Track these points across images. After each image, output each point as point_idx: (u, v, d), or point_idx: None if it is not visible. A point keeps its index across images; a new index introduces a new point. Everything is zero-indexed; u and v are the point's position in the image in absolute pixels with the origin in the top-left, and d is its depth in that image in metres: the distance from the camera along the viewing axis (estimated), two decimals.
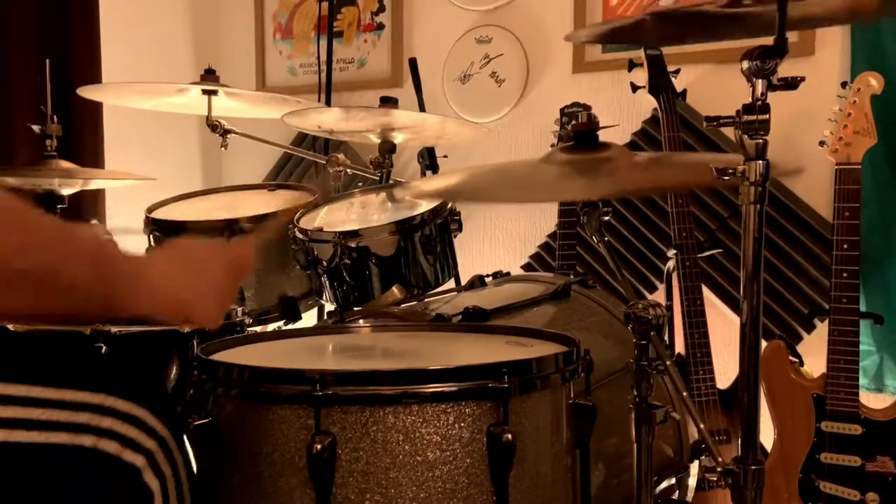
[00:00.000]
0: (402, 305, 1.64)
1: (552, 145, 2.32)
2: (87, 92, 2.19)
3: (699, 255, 2.12)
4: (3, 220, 0.81)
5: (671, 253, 2.10)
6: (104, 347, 1.33)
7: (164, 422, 1.07)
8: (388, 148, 2.11)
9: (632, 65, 2.25)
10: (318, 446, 0.95)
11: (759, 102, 1.03)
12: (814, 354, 2.05)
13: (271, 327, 1.86)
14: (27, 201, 0.83)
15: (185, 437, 1.10)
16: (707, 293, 2.27)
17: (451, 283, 1.79)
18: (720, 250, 2.35)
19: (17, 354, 1.13)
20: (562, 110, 2.33)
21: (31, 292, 0.84)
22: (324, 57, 3.09)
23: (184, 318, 1.01)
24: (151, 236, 1.91)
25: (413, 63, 2.79)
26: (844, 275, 1.91)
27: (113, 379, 1.10)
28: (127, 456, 1.02)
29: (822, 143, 1.97)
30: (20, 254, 0.81)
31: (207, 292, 1.02)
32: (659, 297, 2.38)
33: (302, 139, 3.12)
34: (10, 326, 1.38)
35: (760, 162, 1.03)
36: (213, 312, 1.03)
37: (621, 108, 2.62)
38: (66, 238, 0.87)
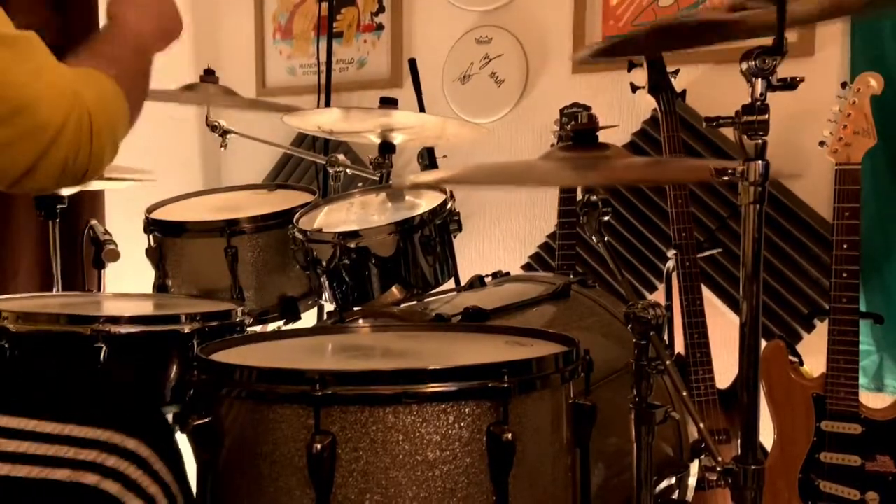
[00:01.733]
0: (402, 305, 1.64)
1: (552, 145, 2.32)
2: None
3: (699, 255, 2.12)
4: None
5: (671, 253, 2.10)
6: (104, 348, 1.33)
7: (168, 465, 1.06)
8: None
9: (631, 65, 2.25)
10: (318, 446, 0.95)
11: (759, 103, 1.03)
12: (814, 354, 2.05)
13: (271, 327, 1.86)
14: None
15: (188, 482, 1.09)
16: (707, 293, 2.27)
17: (450, 284, 1.79)
18: (720, 250, 2.35)
19: (20, 378, 1.12)
20: (561, 111, 2.33)
21: None
22: (323, 57, 3.09)
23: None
24: (151, 236, 1.91)
25: (413, 63, 2.79)
26: (844, 275, 1.91)
27: (118, 409, 1.08)
28: (128, 499, 1.01)
29: (822, 144, 1.96)
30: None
31: None
32: (659, 297, 2.38)
33: (302, 139, 3.12)
34: (11, 327, 1.39)
35: (760, 162, 1.03)
36: None
37: (621, 108, 2.62)
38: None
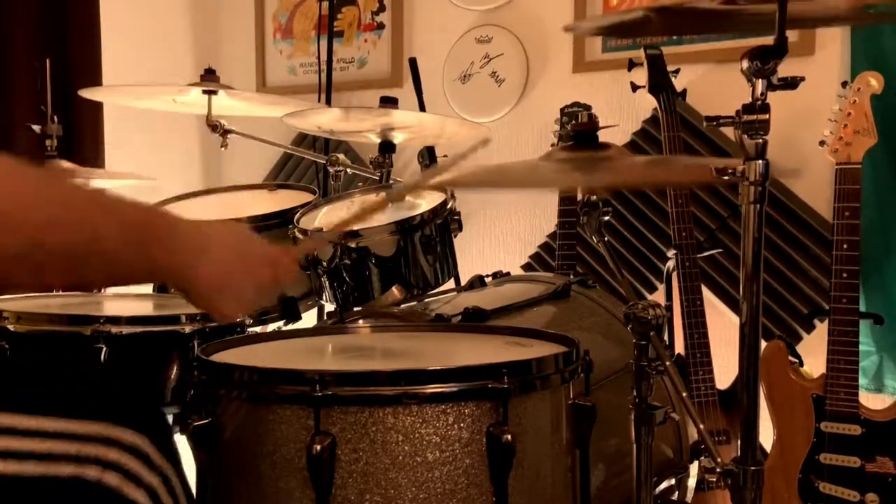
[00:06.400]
0: (402, 305, 1.64)
1: (552, 145, 2.32)
2: (88, 93, 2.19)
3: (699, 255, 2.12)
4: (39, 195, 0.79)
5: (671, 253, 2.10)
6: (104, 349, 1.33)
7: (167, 457, 1.06)
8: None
9: (632, 64, 2.25)
10: (318, 447, 0.95)
11: (759, 102, 1.03)
12: (814, 354, 2.05)
13: (271, 327, 1.86)
14: (66, 172, 0.83)
15: (186, 475, 1.09)
16: (707, 293, 2.27)
17: (451, 284, 1.79)
18: (720, 250, 2.35)
19: (20, 378, 1.12)
20: (562, 110, 2.34)
21: (67, 266, 0.81)
22: (324, 57, 3.09)
23: (208, 303, 0.98)
24: None
25: (413, 63, 2.79)
26: (844, 275, 1.91)
27: (118, 405, 1.09)
28: (128, 490, 1.01)
29: (822, 143, 1.96)
30: (55, 228, 0.78)
31: (243, 290, 1.00)
32: (659, 297, 2.38)
33: (302, 139, 3.12)
34: (11, 327, 1.39)
35: (760, 162, 1.03)
36: (235, 310, 1.00)
37: (621, 107, 2.62)
38: (105, 209, 0.85)
